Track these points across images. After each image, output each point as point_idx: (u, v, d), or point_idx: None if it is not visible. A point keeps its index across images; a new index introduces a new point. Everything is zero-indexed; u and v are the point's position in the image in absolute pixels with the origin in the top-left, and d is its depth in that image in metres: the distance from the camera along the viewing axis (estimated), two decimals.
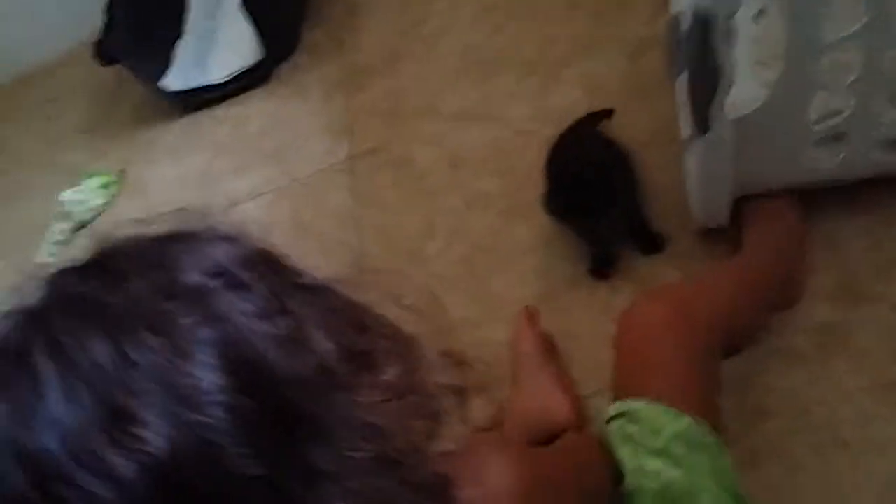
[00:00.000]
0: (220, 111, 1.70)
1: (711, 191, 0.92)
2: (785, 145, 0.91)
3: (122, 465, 0.34)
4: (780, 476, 0.85)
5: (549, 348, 1.01)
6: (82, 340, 0.36)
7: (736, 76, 0.82)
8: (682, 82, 1.17)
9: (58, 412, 0.35)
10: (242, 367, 0.37)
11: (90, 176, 1.65)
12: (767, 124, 0.87)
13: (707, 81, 0.79)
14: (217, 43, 1.81)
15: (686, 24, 0.77)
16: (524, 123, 1.33)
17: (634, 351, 0.80)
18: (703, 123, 0.84)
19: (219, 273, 0.40)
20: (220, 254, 0.42)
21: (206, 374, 0.36)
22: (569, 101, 1.33)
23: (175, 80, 1.75)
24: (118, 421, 0.34)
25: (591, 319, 1.06)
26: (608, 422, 0.75)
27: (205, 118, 1.71)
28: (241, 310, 0.39)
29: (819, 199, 1.01)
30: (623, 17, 1.41)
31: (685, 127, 1.09)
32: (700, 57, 0.77)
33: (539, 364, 0.99)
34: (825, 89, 0.85)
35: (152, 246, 0.42)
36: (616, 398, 0.78)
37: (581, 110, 1.30)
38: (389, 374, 0.44)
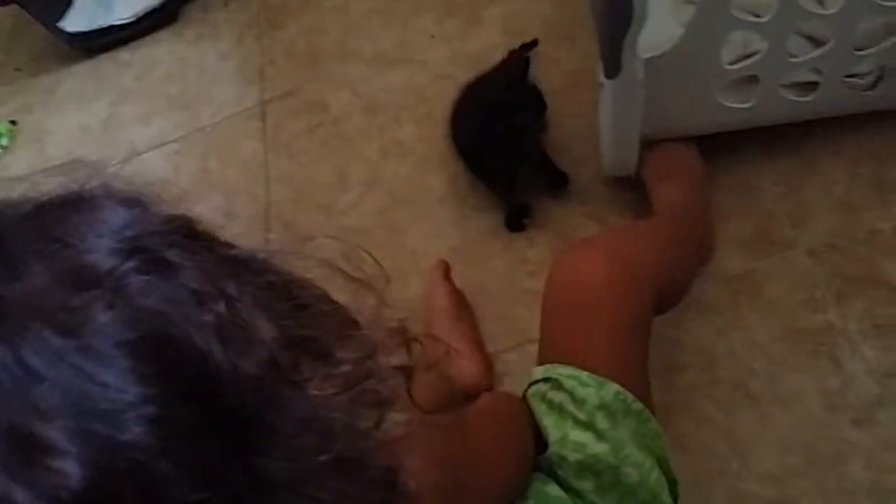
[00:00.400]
0: (125, 54, 1.60)
1: (621, 137, 0.89)
2: (698, 89, 0.87)
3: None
4: (690, 431, 0.84)
5: (462, 304, 0.98)
6: None
7: (651, 14, 0.77)
8: None
9: None
10: (173, 370, 0.30)
11: None
12: (680, 66, 0.84)
13: (618, 18, 0.74)
14: None
15: None
16: (443, 67, 1.28)
17: (567, 310, 0.72)
18: (613, 64, 0.79)
19: (134, 249, 0.32)
20: (132, 223, 0.33)
21: (129, 383, 0.28)
22: (489, 44, 1.28)
23: (76, 20, 1.63)
24: (24, 450, 0.27)
25: (507, 272, 1.03)
26: (531, 385, 0.70)
27: (108, 62, 1.61)
28: (167, 295, 0.31)
29: (735, 143, 0.98)
30: None
31: (600, 71, 1.05)
32: None
33: (451, 320, 0.95)
34: (742, 28, 0.81)
35: (48, 217, 0.34)
36: (542, 360, 0.71)
37: (500, 54, 1.25)
38: (340, 361, 0.37)
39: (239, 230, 1.21)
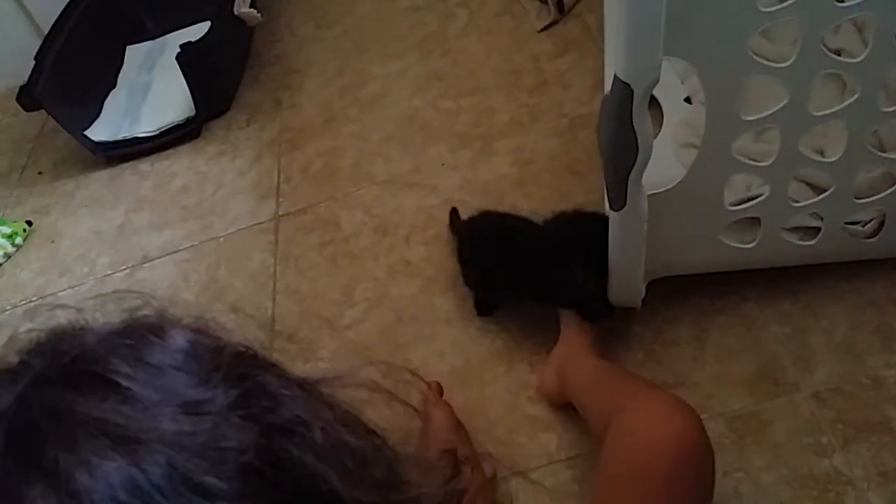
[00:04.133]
0: (146, 165, 1.65)
1: (626, 270, 0.90)
2: (700, 227, 0.89)
3: None
4: None
5: (458, 424, 0.96)
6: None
7: (657, 154, 0.80)
8: None
9: None
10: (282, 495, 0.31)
11: (0, 223, 1.57)
12: (684, 205, 0.86)
13: (624, 154, 0.77)
14: (150, 96, 1.77)
15: (608, 93, 0.76)
16: (453, 193, 1.31)
17: (643, 475, 0.66)
18: (618, 198, 0.82)
19: (228, 379, 0.34)
20: (216, 353, 0.35)
21: None
22: (497, 174, 1.32)
23: (102, 130, 1.70)
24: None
25: (508, 397, 1.02)
26: None
27: (128, 171, 1.66)
28: (270, 423, 0.33)
29: (738, 284, 1.00)
30: (561, 94, 1.42)
31: (606, 204, 1.08)
32: (618, 128, 0.75)
33: (447, 440, 0.93)
34: (743, 171, 0.84)
35: (133, 341, 0.35)
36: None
37: (510, 183, 1.29)
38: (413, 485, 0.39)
39: (244, 338, 1.19)
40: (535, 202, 1.23)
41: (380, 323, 1.17)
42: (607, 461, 0.70)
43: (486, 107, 1.46)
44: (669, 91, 1.21)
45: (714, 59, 0.73)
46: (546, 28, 1.56)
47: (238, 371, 0.35)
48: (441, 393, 0.99)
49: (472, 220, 1.15)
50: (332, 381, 0.41)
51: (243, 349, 0.37)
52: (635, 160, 0.77)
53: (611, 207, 0.83)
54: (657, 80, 0.72)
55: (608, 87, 1.26)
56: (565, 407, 0.96)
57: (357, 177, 1.43)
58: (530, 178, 1.29)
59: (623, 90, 0.72)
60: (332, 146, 1.51)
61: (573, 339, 0.98)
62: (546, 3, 1.57)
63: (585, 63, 1.46)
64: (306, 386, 0.38)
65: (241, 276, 1.33)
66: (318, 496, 0.33)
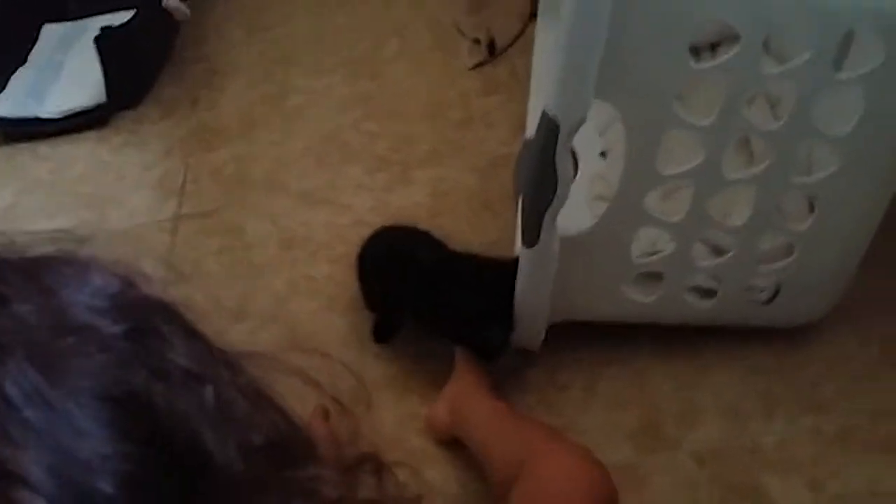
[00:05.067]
0: (45, 148, 1.56)
1: (531, 308, 0.90)
2: (605, 276, 0.90)
3: None
4: None
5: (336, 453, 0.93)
6: None
7: (569, 203, 0.80)
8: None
9: None
10: (157, 439, 0.29)
11: None
12: (592, 251, 0.87)
13: (543, 190, 0.77)
14: (60, 78, 1.68)
15: (534, 130, 0.76)
16: (364, 215, 1.29)
17: None
18: (532, 234, 0.81)
19: (124, 316, 0.32)
20: (122, 291, 0.34)
21: (107, 437, 0.27)
22: (412, 202, 1.31)
23: (4, 105, 1.60)
24: None
25: (396, 426, 0.99)
26: None
27: (25, 152, 1.56)
28: (154, 367, 0.31)
29: (633, 336, 1.01)
30: (484, 132, 1.42)
31: (518, 245, 1.08)
32: (540, 165, 0.75)
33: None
34: (652, 225, 0.85)
35: (43, 268, 0.34)
36: None
37: (423, 212, 1.28)
38: (313, 478, 0.37)
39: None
40: (447, 233, 1.21)
41: (270, 340, 1.12)
42: None
43: (408, 134, 1.45)
44: (586, 144, 1.23)
45: (640, 108, 0.75)
46: (476, 66, 1.57)
47: (143, 313, 0.32)
48: (327, 415, 0.95)
49: (375, 234, 1.11)
50: (258, 359, 0.39)
51: (159, 299, 0.35)
52: (553, 197, 0.77)
53: (523, 243, 0.83)
54: (584, 120, 0.73)
55: (530, 131, 1.27)
56: (452, 443, 0.94)
57: (269, 186, 1.39)
58: (445, 210, 1.28)
59: (550, 125, 0.73)
60: (246, 152, 1.47)
61: (468, 377, 0.96)
62: (479, 42, 1.59)
63: (511, 105, 1.47)
64: (214, 350, 0.36)
65: None
66: (191, 454, 0.30)
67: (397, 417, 1.00)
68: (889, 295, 1.02)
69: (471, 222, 1.26)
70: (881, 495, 0.87)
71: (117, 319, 0.31)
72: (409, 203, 1.31)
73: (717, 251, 0.93)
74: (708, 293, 0.94)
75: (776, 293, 0.93)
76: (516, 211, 1.22)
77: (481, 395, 0.92)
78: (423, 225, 1.25)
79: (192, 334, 0.35)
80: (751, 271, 0.90)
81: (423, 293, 0.97)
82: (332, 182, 1.37)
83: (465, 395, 0.93)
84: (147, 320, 0.32)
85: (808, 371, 0.97)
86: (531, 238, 0.82)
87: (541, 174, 0.76)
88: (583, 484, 0.71)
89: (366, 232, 1.24)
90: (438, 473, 0.94)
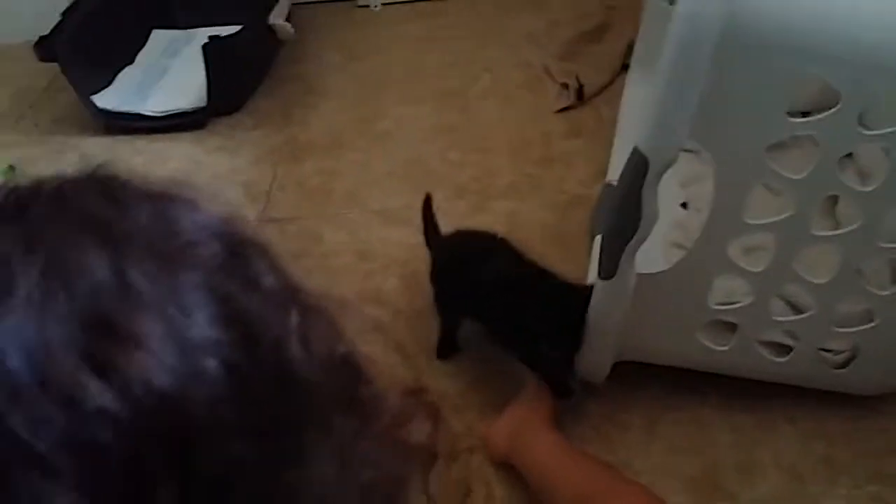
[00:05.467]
0: (142, 143, 1.64)
1: (599, 341, 0.90)
2: (679, 319, 0.91)
3: (105, 396, 0.25)
4: None
5: None
6: (74, 246, 0.28)
7: (646, 247, 0.82)
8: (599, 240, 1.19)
9: (29, 320, 0.26)
10: (256, 346, 0.30)
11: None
12: (669, 292, 0.88)
13: (625, 226, 0.79)
14: (165, 80, 1.78)
15: (617, 175, 0.78)
16: None
17: None
18: (610, 266, 0.83)
19: (224, 240, 0.33)
20: (224, 222, 0.35)
21: (215, 326, 0.29)
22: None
23: (109, 98, 1.70)
24: (110, 339, 0.26)
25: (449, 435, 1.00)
26: None
27: (124, 144, 1.65)
28: (250, 281, 0.32)
29: (699, 385, 1.00)
30: (564, 172, 1.45)
31: (591, 281, 1.10)
32: (626, 199, 0.77)
33: None
34: (731, 273, 0.86)
35: (150, 189, 0.35)
36: None
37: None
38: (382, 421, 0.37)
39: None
40: None
41: None
42: None
43: (490, 167, 1.48)
44: (668, 193, 1.25)
45: (733, 156, 0.76)
46: (562, 110, 1.60)
47: (240, 242, 0.35)
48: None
49: (452, 234, 1.13)
50: (333, 300, 0.41)
51: (255, 236, 0.38)
52: (634, 233, 0.79)
53: (600, 276, 0.85)
54: (674, 161, 0.74)
55: (611, 176, 1.29)
56: (504, 464, 0.95)
57: (350, 201, 1.43)
58: (518, 242, 1.30)
59: (640, 161, 0.74)
60: (332, 167, 1.52)
61: (535, 404, 0.97)
62: (567, 87, 1.62)
63: (593, 150, 1.50)
64: (300, 285, 0.38)
65: None
66: (276, 361, 0.32)
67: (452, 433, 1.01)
68: None
69: (542, 257, 1.27)
70: None
71: (218, 242, 0.33)
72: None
73: (795, 309, 0.92)
74: (781, 349, 0.94)
75: (851, 358, 0.92)
76: (590, 251, 1.24)
77: (544, 425, 0.92)
78: None
79: (281, 268, 0.37)
80: (828, 332, 0.89)
81: (490, 301, 0.98)
82: (412, 204, 1.39)
83: (528, 420, 0.94)
84: (244, 248, 0.35)
85: (877, 441, 0.96)
86: (609, 271, 0.83)
87: (625, 209, 0.78)
88: None
89: None
90: (489, 490, 0.94)
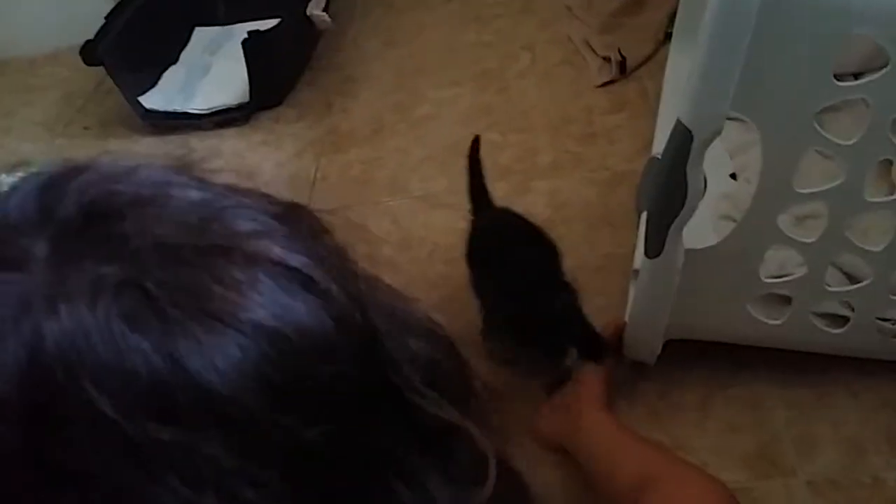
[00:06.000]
0: (195, 140, 1.67)
1: (648, 323, 0.89)
2: (730, 294, 0.89)
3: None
4: None
5: None
6: None
7: (695, 221, 0.80)
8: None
9: None
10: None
11: (32, 168, 1.58)
12: (718, 267, 0.86)
13: (671, 200, 0.77)
14: (208, 77, 1.81)
15: (662, 148, 0.76)
16: None
17: None
18: (656, 245, 0.81)
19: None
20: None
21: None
22: (531, 213, 1.31)
23: (156, 98, 1.73)
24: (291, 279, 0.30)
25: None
26: None
27: (174, 144, 1.67)
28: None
29: (754, 360, 0.98)
30: (607, 148, 1.43)
31: (638, 258, 1.08)
32: (671, 174, 0.75)
33: None
34: (782, 244, 0.83)
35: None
36: None
37: (541, 223, 1.29)
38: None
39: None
40: (562, 246, 1.23)
41: None
42: None
43: (531, 146, 1.47)
44: (717, 163, 1.22)
45: (780, 125, 0.74)
46: (604, 85, 1.58)
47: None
48: None
49: (490, 218, 1.11)
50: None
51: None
52: (681, 208, 0.77)
53: (646, 254, 0.83)
54: (719, 132, 0.72)
55: (656, 149, 1.27)
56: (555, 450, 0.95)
57: (393, 188, 1.44)
58: (562, 222, 1.29)
59: (683, 135, 0.73)
60: (374, 156, 1.53)
61: (589, 387, 0.95)
62: (609, 61, 1.60)
63: (636, 124, 1.47)
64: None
65: None
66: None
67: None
68: None
69: (587, 236, 1.26)
70: None
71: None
72: (526, 212, 1.32)
73: (851, 278, 0.90)
74: (837, 320, 0.91)
75: None
76: (636, 228, 1.22)
77: (595, 406, 0.91)
78: None
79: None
80: (885, 301, 0.87)
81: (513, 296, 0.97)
82: (453, 188, 1.40)
83: (581, 399, 0.93)
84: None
85: None
86: (655, 248, 0.82)
87: (670, 184, 0.76)
88: None
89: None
90: (539, 476, 0.94)
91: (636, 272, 1.05)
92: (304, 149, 1.59)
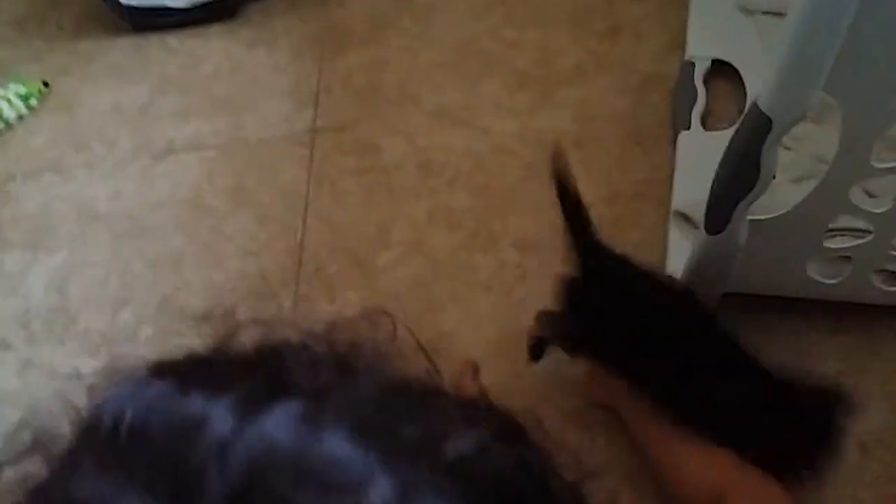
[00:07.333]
0: (174, 41, 1.53)
1: (704, 291, 0.85)
2: (791, 257, 0.84)
3: None
4: None
5: None
6: None
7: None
8: (687, 139, 1.10)
9: None
10: None
11: (16, 80, 1.45)
12: (780, 234, 0.80)
13: (740, 184, 0.71)
14: None
15: (744, 114, 0.68)
16: (506, 140, 1.23)
17: None
18: (717, 223, 0.76)
19: None
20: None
21: None
22: (556, 128, 1.24)
23: None
24: None
25: (541, 385, 0.99)
26: None
27: (155, 44, 1.53)
28: None
29: (804, 306, 0.95)
30: (634, 46, 1.32)
31: (680, 197, 1.02)
32: (743, 158, 0.68)
33: None
34: (851, 214, 0.78)
35: None
36: None
37: (568, 141, 1.21)
38: None
39: (269, 261, 1.14)
40: (591, 172, 1.16)
41: (413, 273, 1.12)
42: None
43: (550, 46, 1.35)
44: None
45: (865, 103, 0.66)
46: None
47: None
48: (476, 372, 0.95)
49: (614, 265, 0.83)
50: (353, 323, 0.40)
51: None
52: (749, 192, 0.71)
53: (706, 230, 0.77)
54: (803, 117, 0.65)
55: (691, 50, 1.17)
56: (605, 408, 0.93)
57: (402, 100, 1.33)
58: (590, 139, 1.22)
59: (761, 121, 0.65)
60: (377, 57, 1.40)
61: None
62: None
63: (664, 14, 1.35)
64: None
65: (270, 189, 1.26)
66: None
67: (543, 376, 0.99)
68: None
69: (618, 157, 1.19)
70: None
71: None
72: (552, 128, 1.24)
73: None
74: (893, 276, 0.87)
75: None
76: (671, 147, 1.15)
77: None
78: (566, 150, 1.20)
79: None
80: None
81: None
82: (470, 101, 1.30)
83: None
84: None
85: None
86: (717, 227, 0.76)
87: (742, 167, 0.69)
88: None
89: (508, 160, 1.20)
90: (580, 439, 0.93)
91: (677, 214, 1.00)
92: (302, 49, 1.46)
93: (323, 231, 1.19)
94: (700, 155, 0.95)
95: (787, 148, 0.98)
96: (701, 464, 0.77)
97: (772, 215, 0.78)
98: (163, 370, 0.33)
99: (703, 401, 0.76)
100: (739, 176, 0.71)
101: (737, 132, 0.69)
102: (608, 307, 0.79)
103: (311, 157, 1.29)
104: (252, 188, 1.27)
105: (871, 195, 0.83)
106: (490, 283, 1.09)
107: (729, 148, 0.70)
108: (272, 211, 1.23)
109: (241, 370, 0.34)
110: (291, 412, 0.30)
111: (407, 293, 1.10)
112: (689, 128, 1.11)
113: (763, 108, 0.65)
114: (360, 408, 0.32)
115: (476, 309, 1.07)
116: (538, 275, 1.08)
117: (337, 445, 0.29)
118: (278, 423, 0.29)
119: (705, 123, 1.15)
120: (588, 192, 1.12)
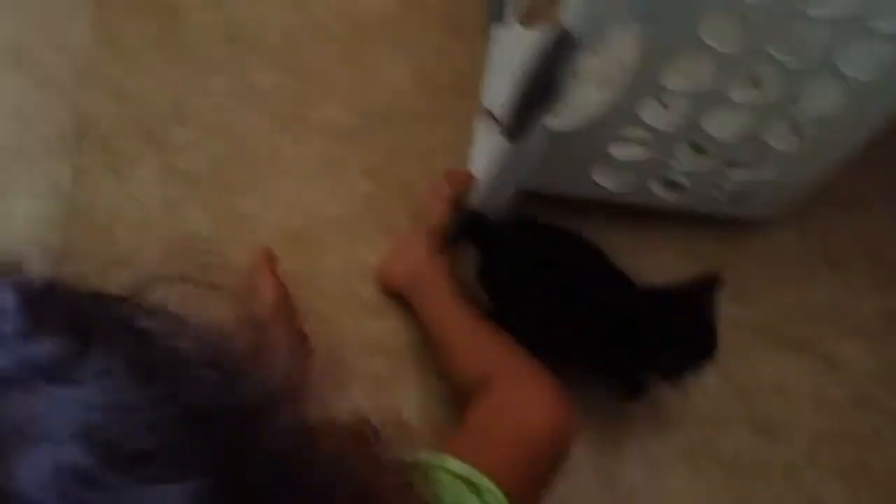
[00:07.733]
0: None
1: (501, 188, 0.87)
2: (580, 163, 0.88)
3: None
4: None
5: (285, 299, 0.91)
6: None
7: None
8: (499, 31, 1.09)
9: None
10: None
11: None
12: (573, 143, 0.83)
13: (541, 97, 0.72)
14: None
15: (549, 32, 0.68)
16: (327, 18, 1.16)
17: (510, 442, 0.70)
18: (517, 131, 0.77)
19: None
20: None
21: None
22: (379, 8, 1.18)
23: None
24: None
25: (342, 272, 0.99)
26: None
27: None
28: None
29: (587, 205, 0.99)
30: None
31: (490, 95, 1.03)
32: (546, 73, 0.69)
33: (273, 317, 0.89)
34: (640, 129, 0.82)
35: None
36: (455, 453, 0.65)
37: (388, 24, 1.17)
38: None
39: (46, 132, 1.02)
40: (409, 57, 1.13)
41: (213, 154, 1.06)
42: (486, 421, 0.73)
43: None
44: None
45: (662, 29, 0.68)
46: None
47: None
48: (273, 262, 0.93)
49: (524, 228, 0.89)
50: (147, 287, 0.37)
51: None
52: (551, 102, 0.72)
53: (504, 136, 0.78)
54: (605, 38, 0.66)
55: None
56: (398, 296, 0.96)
57: None
58: (413, 26, 1.17)
59: (566, 39, 0.66)
60: None
61: (429, 249, 0.93)
62: None
63: None
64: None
65: (50, 49, 1.12)
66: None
67: (345, 263, 1.00)
68: (844, 200, 1.05)
69: (435, 43, 1.16)
70: (785, 393, 0.96)
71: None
72: (374, 8, 1.18)
73: (697, 149, 0.91)
74: (674, 185, 0.94)
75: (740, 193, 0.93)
76: (484, 35, 1.14)
77: (442, 277, 0.90)
78: (379, 35, 1.16)
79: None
80: (723, 176, 0.90)
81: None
82: None
83: (426, 267, 0.91)
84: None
85: (745, 264, 1.02)
86: (515, 136, 0.77)
87: (543, 81, 0.70)
88: (545, 423, 0.71)
89: (325, 40, 1.14)
90: (384, 326, 0.96)
91: (487, 113, 1.00)
92: None
93: (110, 100, 1.08)
94: (512, 53, 0.95)
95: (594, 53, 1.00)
96: (476, 349, 0.82)
97: (569, 128, 0.80)
98: None
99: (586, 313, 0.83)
100: (541, 90, 0.71)
101: (540, 51, 0.68)
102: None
103: (100, 16, 1.15)
104: (28, 47, 1.12)
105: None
106: (295, 168, 1.05)
107: (531, 61, 0.70)
108: (52, 73, 1.10)
109: None
110: None
111: (205, 175, 1.04)
112: (501, 20, 1.09)
113: (568, 26, 0.65)
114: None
115: (279, 195, 1.03)
116: (345, 163, 1.06)
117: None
118: None
119: (526, 22, 1.14)
120: (404, 79, 1.13)
